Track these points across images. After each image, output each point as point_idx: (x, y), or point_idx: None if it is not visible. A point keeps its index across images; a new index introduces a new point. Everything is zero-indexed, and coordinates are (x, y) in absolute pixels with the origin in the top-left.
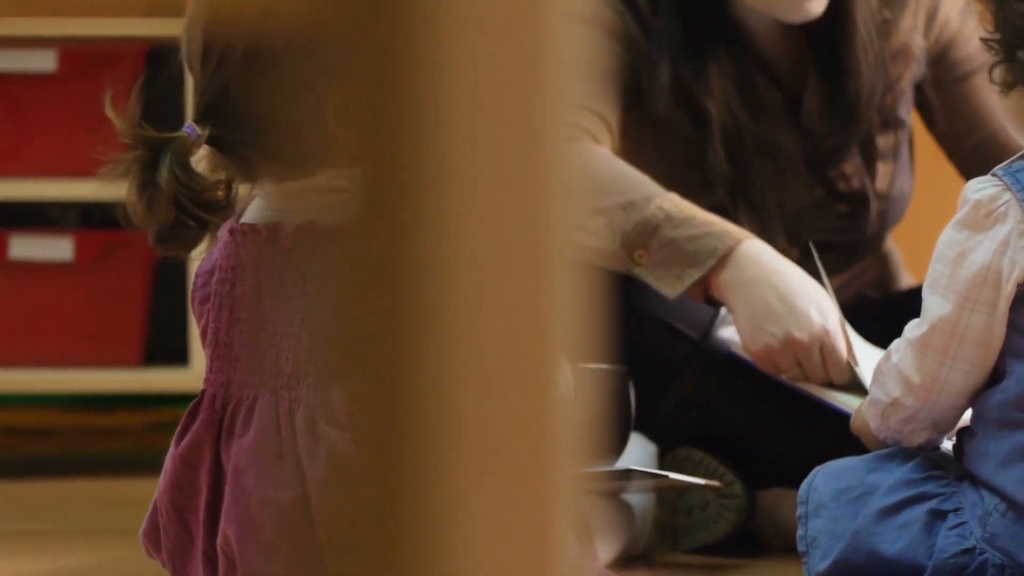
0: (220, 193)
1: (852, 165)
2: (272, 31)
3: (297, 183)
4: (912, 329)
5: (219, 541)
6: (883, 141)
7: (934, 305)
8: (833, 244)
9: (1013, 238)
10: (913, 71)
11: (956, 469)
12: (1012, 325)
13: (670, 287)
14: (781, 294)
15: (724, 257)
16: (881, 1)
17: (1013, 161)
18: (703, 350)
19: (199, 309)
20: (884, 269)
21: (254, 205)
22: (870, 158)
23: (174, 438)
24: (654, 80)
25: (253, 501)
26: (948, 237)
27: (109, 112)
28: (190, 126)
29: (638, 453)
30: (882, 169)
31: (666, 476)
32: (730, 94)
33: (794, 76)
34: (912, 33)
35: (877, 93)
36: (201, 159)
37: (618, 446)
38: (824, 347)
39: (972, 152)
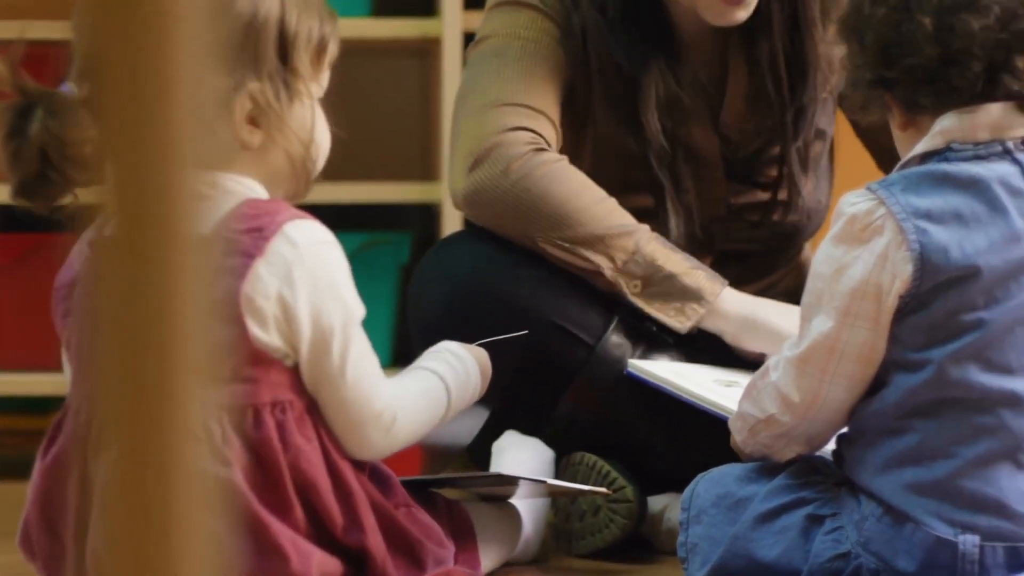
0: (87, 150)
1: (770, 175)
2: None
3: None
4: (791, 347)
5: (88, 556)
6: (807, 151)
7: (815, 322)
8: (748, 253)
9: (891, 250)
10: (834, 83)
11: (835, 474)
12: (892, 337)
13: (677, 321)
14: (776, 314)
15: (718, 295)
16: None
17: (900, 169)
18: (598, 355)
19: (61, 323)
20: (799, 279)
21: None
22: (794, 167)
23: (40, 451)
24: (587, 78)
25: None
26: (824, 254)
27: None
28: (67, 84)
29: (537, 458)
30: (800, 180)
31: (553, 483)
32: (658, 96)
33: (717, 77)
34: (835, 43)
35: (815, 101)
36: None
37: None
38: None
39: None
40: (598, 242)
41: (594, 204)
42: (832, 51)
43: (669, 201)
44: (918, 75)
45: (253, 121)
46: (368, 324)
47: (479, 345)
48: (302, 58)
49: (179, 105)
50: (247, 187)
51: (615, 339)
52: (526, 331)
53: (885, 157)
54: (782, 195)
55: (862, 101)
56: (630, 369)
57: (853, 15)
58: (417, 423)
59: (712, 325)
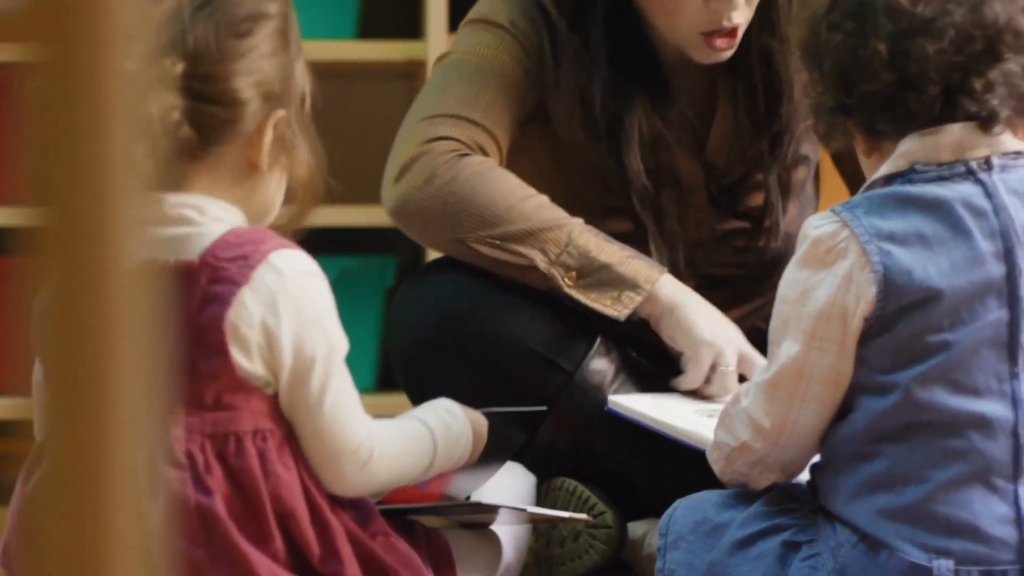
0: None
1: (754, 200)
2: None
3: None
4: (761, 372)
5: None
6: (789, 176)
7: (783, 347)
8: (732, 278)
9: (855, 272)
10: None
11: (811, 501)
12: (859, 360)
13: (614, 309)
14: (705, 311)
15: (656, 282)
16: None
17: (864, 191)
18: (577, 382)
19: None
20: None
21: None
22: (774, 193)
23: (20, 477)
24: (565, 102)
25: None
26: (790, 277)
27: None
28: None
29: (519, 484)
30: (781, 206)
31: (533, 511)
32: (641, 134)
33: (703, 108)
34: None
35: (790, 128)
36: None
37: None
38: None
39: None
40: (529, 236)
41: (522, 201)
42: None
43: (651, 236)
44: (876, 101)
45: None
46: (353, 348)
47: (490, 412)
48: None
49: (116, 130)
50: (234, 215)
51: (595, 365)
52: (544, 408)
53: (855, 182)
54: (765, 221)
55: (825, 128)
56: (611, 406)
57: (811, 42)
58: (396, 466)
59: (645, 311)
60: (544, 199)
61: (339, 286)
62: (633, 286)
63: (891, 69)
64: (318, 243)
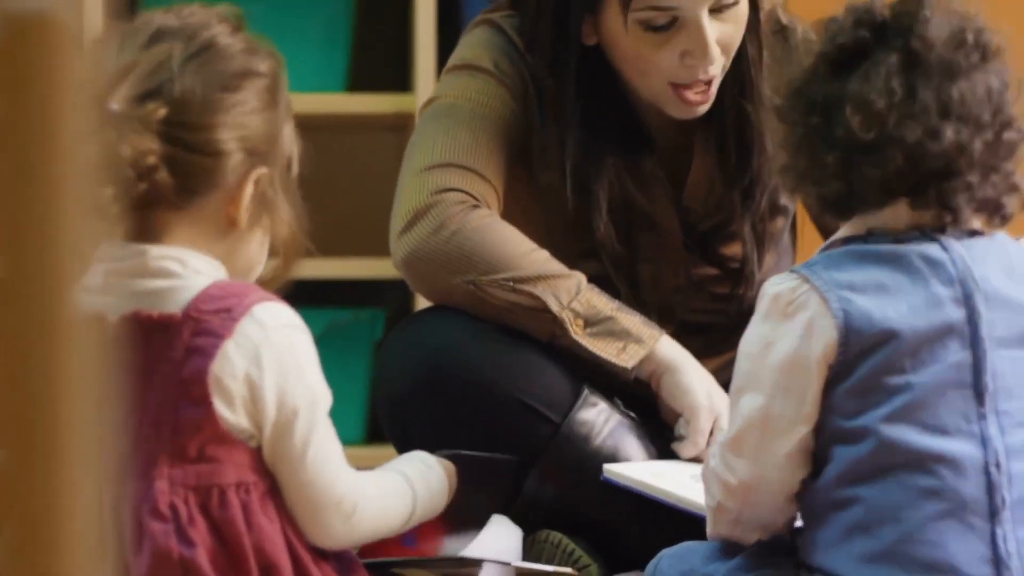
0: None
1: (731, 248)
2: None
3: (123, 266)
4: (725, 432)
5: None
6: (764, 226)
7: (744, 401)
8: (709, 325)
9: (816, 320)
10: None
11: (795, 555)
12: (829, 409)
13: (621, 360)
14: (704, 375)
15: (658, 340)
16: (773, 89)
17: (822, 252)
18: (564, 433)
19: None
20: None
21: None
22: (749, 243)
23: None
24: (542, 146)
25: None
26: (751, 333)
27: None
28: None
29: (504, 536)
30: (754, 255)
31: (518, 565)
32: (618, 167)
33: (679, 154)
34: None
35: (761, 180)
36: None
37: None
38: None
39: None
40: (541, 280)
41: (531, 252)
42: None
43: (621, 288)
44: (825, 200)
45: (248, 205)
46: (342, 400)
47: (459, 455)
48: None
49: (66, 185)
50: (215, 268)
51: (582, 416)
52: (520, 458)
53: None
54: (741, 269)
55: (791, 188)
56: (606, 475)
57: (786, 113)
58: (379, 518)
59: (644, 370)
60: (547, 254)
61: (328, 338)
62: (637, 340)
63: (838, 179)
64: (307, 295)
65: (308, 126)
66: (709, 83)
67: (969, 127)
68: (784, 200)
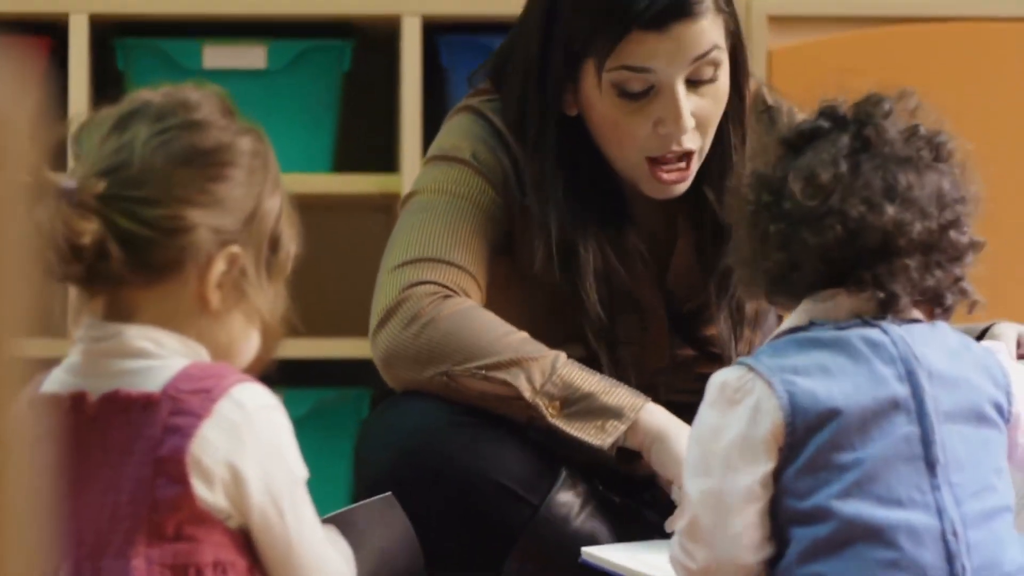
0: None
1: (712, 330)
2: None
3: (102, 347)
4: (680, 521)
5: None
6: (748, 308)
7: (695, 485)
8: (694, 404)
9: (762, 402)
10: None
11: None
12: (782, 492)
13: (597, 439)
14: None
15: (640, 410)
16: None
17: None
18: (543, 515)
19: None
20: None
21: (55, 374)
22: (733, 324)
23: None
24: (528, 231)
25: None
26: (699, 422)
27: None
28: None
29: None
30: (745, 335)
31: None
32: (601, 243)
33: (665, 235)
34: None
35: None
36: None
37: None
38: None
39: None
40: (514, 366)
41: (505, 336)
42: None
43: (604, 365)
44: (769, 275)
45: (220, 285)
46: (328, 480)
47: (333, 516)
48: (286, 253)
49: None
50: (193, 350)
51: (560, 498)
52: (389, 493)
53: None
54: (725, 350)
55: (745, 281)
56: (585, 558)
57: (742, 192)
58: None
59: (633, 442)
60: (525, 335)
61: (314, 418)
62: (617, 415)
63: (781, 250)
64: (294, 375)
65: (294, 206)
66: (685, 160)
67: (912, 212)
68: None
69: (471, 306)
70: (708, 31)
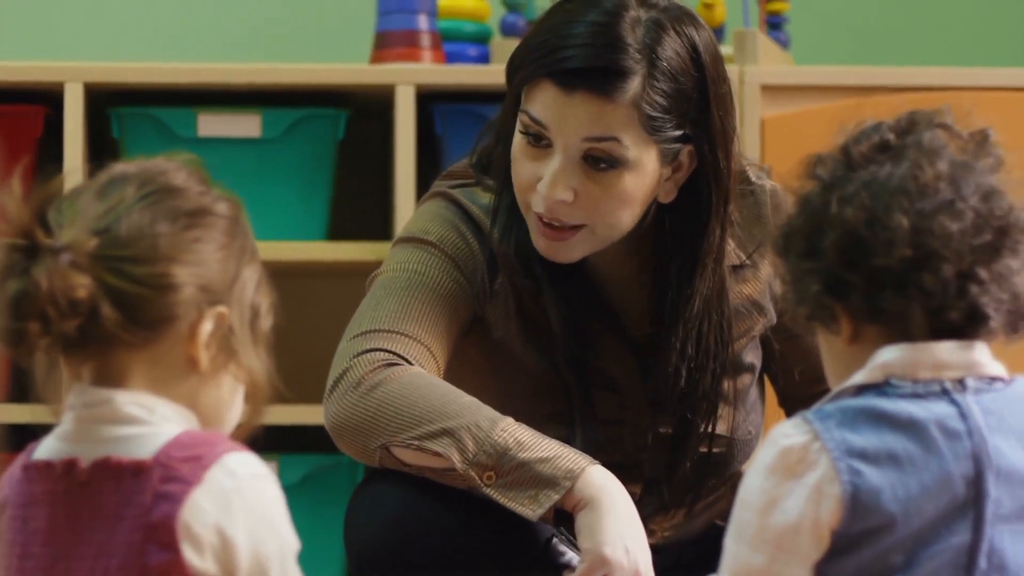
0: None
1: (696, 407)
2: None
3: (93, 413)
4: None
5: None
6: (728, 385)
7: (741, 555)
8: (677, 479)
9: (824, 485)
10: (763, 323)
11: None
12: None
13: (529, 509)
14: (622, 517)
15: (577, 478)
16: (742, 246)
17: (826, 402)
18: None
19: None
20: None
21: (47, 442)
22: (712, 402)
23: None
24: (501, 311)
25: None
26: (755, 484)
27: None
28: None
29: None
30: (725, 412)
31: None
32: (573, 330)
33: (640, 318)
34: (771, 281)
35: (717, 351)
36: None
37: None
38: None
39: (807, 401)
40: (445, 435)
41: (445, 403)
42: (770, 288)
43: (584, 430)
44: (886, 277)
45: (208, 345)
46: (322, 546)
47: None
48: (264, 323)
49: None
50: (184, 415)
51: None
52: None
53: (795, 402)
54: (707, 428)
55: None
56: None
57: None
58: None
59: (568, 505)
60: (472, 400)
61: (308, 483)
62: (551, 484)
63: (910, 245)
64: (287, 441)
65: (289, 273)
66: (553, 227)
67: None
68: (750, 357)
69: (415, 373)
70: (615, 119)
